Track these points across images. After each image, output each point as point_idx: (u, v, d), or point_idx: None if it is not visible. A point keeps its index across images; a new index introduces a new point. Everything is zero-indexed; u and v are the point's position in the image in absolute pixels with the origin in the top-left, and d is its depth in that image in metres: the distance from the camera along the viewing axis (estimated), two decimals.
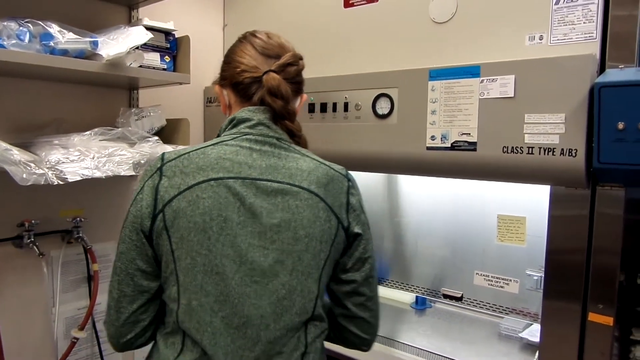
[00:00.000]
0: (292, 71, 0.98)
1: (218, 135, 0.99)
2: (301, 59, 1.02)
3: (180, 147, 1.01)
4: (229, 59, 1.01)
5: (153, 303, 0.94)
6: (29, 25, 1.25)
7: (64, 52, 1.31)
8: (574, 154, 1.15)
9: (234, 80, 0.98)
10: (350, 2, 1.63)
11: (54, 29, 1.29)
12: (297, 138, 0.99)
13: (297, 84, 1.01)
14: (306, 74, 1.76)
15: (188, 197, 0.87)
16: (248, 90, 0.97)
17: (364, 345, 1.04)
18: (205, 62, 2.05)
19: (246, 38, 1.01)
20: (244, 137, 0.93)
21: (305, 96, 1.07)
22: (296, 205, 0.90)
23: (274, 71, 0.96)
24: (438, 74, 1.36)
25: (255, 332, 0.88)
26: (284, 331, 0.90)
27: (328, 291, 1.03)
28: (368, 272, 0.99)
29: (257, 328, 0.88)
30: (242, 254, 0.87)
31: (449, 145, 1.34)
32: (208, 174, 0.88)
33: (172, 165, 0.90)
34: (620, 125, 1.04)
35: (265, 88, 0.95)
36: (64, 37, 1.30)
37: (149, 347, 0.99)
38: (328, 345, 1.06)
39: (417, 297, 1.91)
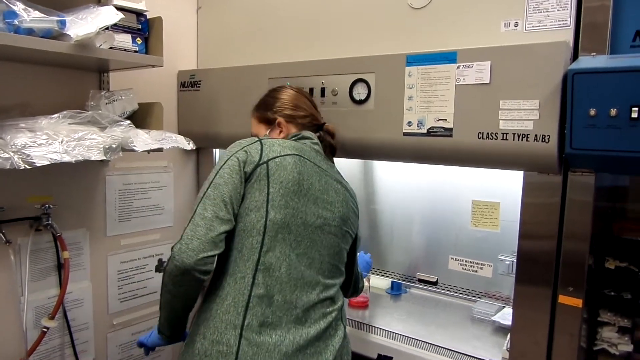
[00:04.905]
0: None
1: None
2: None
3: None
4: (293, 105, 1.36)
5: (226, 239, 1.12)
6: None
7: (30, 32, 1.25)
8: (547, 140, 1.17)
9: (300, 121, 1.36)
10: None
11: (18, 6, 1.23)
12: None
13: None
14: (283, 59, 1.74)
15: (288, 160, 1.18)
16: (305, 127, 1.36)
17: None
18: (179, 45, 2.00)
19: (300, 91, 1.41)
20: (309, 144, 1.30)
21: None
22: (344, 195, 1.28)
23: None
24: (415, 59, 1.36)
25: (316, 273, 1.17)
26: (334, 281, 1.22)
27: None
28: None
29: (318, 270, 1.18)
30: (319, 210, 1.20)
31: (425, 131, 1.35)
32: (296, 152, 1.21)
33: (268, 142, 1.21)
34: (592, 112, 1.06)
35: (328, 132, 1.38)
36: (29, 15, 1.24)
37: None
38: None
39: (392, 282, 1.93)
